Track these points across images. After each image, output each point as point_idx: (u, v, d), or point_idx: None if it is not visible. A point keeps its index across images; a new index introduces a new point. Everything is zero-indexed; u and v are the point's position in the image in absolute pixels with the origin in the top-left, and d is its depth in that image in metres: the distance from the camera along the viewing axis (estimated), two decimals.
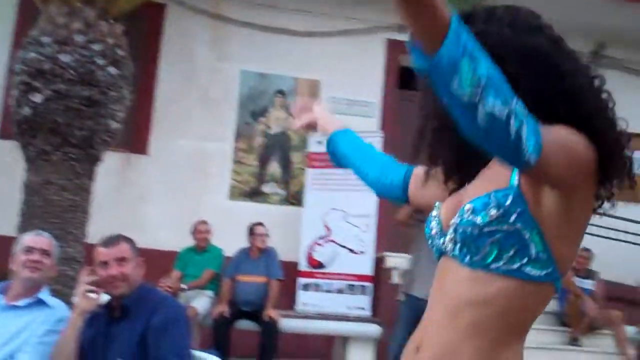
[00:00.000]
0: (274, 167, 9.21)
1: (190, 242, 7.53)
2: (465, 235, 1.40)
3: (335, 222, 8.42)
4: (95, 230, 6.70)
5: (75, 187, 6.10)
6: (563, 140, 1.33)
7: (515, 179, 1.39)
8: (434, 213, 1.58)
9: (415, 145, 1.66)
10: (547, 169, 1.29)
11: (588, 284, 7.92)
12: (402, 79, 9.91)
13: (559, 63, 1.43)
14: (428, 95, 1.53)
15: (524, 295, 1.39)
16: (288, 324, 7.21)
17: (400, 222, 5.39)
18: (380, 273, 8.28)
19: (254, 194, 9.08)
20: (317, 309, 8.10)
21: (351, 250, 8.35)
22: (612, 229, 8.66)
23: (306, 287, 8.33)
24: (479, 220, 1.38)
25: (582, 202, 1.41)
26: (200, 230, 7.46)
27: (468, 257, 1.41)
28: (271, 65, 9.30)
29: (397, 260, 7.91)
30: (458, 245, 1.43)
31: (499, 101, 1.18)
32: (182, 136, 8.94)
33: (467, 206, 1.41)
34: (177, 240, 7.75)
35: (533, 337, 6.12)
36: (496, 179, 1.42)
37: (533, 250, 1.37)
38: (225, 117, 9.13)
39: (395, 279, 7.71)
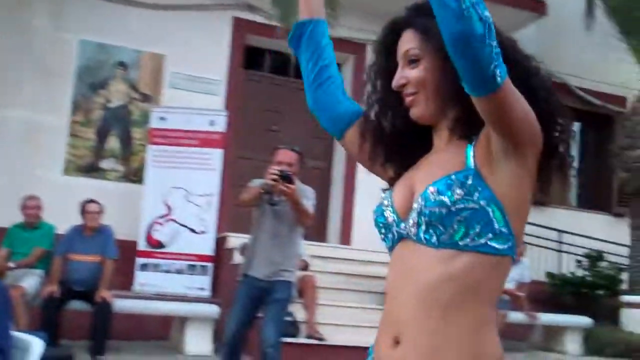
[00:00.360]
0: (114, 142, 8.88)
1: (20, 218, 7.13)
2: (434, 216, 1.45)
3: (176, 200, 8.28)
4: None
5: None
6: (519, 95, 1.42)
7: (470, 161, 1.48)
8: (386, 203, 1.61)
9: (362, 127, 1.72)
10: (504, 107, 1.37)
11: None
12: (247, 59, 9.86)
13: (520, 55, 1.55)
14: (376, 84, 1.66)
15: (490, 268, 1.45)
16: (124, 304, 7.03)
17: (244, 202, 5.34)
18: (221, 253, 8.24)
19: (91, 170, 8.72)
20: (155, 290, 7.95)
21: (192, 230, 8.25)
22: None
23: (145, 267, 8.15)
24: (446, 199, 1.44)
25: (528, 179, 1.49)
26: (29, 206, 7.08)
27: (435, 238, 1.46)
28: (113, 36, 8.95)
29: (239, 241, 7.86)
30: (422, 228, 1.47)
31: (486, 11, 1.29)
32: (12, 106, 8.41)
33: (431, 189, 1.47)
34: (7, 216, 7.32)
35: (368, 316, 6.30)
36: (448, 164, 1.50)
37: (496, 226, 1.44)
38: (62, 89, 8.68)
39: (237, 259, 7.69)
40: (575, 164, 12.05)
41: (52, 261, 6.93)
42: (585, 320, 8.98)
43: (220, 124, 8.52)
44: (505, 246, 1.45)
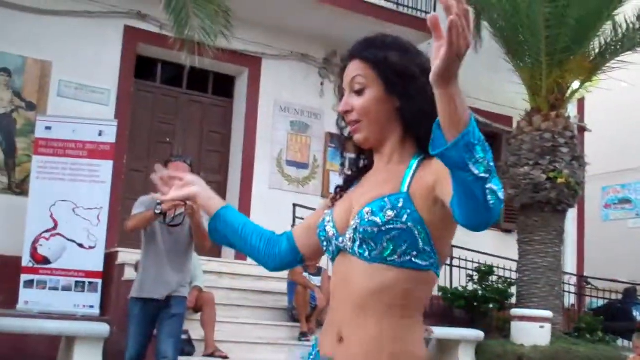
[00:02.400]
0: None
1: None
2: (367, 234, 1.62)
3: (63, 214, 7.90)
4: None
5: None
6: None
7: (405, 185, 1.64)
8: (328, 219, 1.77)
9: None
10: None
11: (317, 280, 8.20)
12: (139, 69, 9.59)
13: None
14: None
15: (415, 281, 1.63)
16: (7, 323, 6.58)
17: (134, 229, 5.16)
18: (111, 269, 7.91)
19: None
20: (41, 308, 7.53)
21: (80, 245, 7.89)
22: None
23: (29, 283, 7.71)
24: (378, 220, 1.60)
25: None
26: None
27: (367, 253, 1.64)
28: None
29: (129, 256, 7.57)
30: (357, 243, 1.65)
31: (500, 185, 1.39)
32: None
33: (366, 209, 1.63)
34: None
35: (263, 332, 6.22)
36: (385, 185, 1.66)
37: (420, 245, 1.62)
38: None
39: (128, 275, 7.39)
40: None
41: None
42: (477, 334, 9.14)
43: (109, 135, 8.21)
44: (428, 262, 1.63)
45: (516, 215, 10.44)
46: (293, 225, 8.91)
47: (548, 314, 9.26)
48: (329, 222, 1.76)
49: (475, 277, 10.10)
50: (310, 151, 10.48)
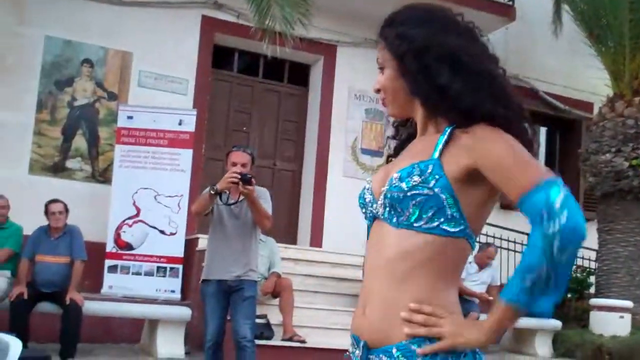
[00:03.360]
0: (80, 142, 8.64)
1: None
2: (393, 199, 1.62)
3: (145, 201, 8.09)
4: None
5: None
6: (528, 156, 1.58)
7: (437, 152, 1.62)
8: (367, 186, 1.79)
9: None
10: None
11: None
12: (216, 58, 9.72)
13: (486, 64, 1.67)
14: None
15: (443, 247, 1.60)
16: (93, 307, 6.82)
17: (197, 212, 5.30)
18: (191, 255, 8.08)
19: (57, 169, 8.47)
20: (124, 292, 7.76)
21: (162, 232, 8.07)
22: None
23: (113, 269, 7.94)
24: (404, 185, 1.60)
25: (491, 187, 1.62)
26: None
27: (395, 219, 1.64)
28: (78, 32, 8.73)
29: None
30: (387, 209, 1.65)
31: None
32: None
33: (395, 175, 1.64)
34: None
35: (339, 318, 6.25)
36: (419, 153, 1.66)
37: (448, 212, 1.59)
38: (26, 86, 8.42)
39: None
40: None
41: (19, 262, 6.69)
42: (554, 323, 9.01)
43: (189, 124, 8.36)
44: (457, 229, 1.60)
45: (596, 203, 10.20)
46: None
47: (628, 304, 9.05)
48: (367, 189, 1.78)
49: None
50: (385, 139, 10.44)
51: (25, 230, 6.95)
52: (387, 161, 1.87)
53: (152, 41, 9.03)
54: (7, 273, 6.69)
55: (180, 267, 8.00)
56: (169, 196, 8.11)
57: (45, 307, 6.62)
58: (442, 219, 1.59)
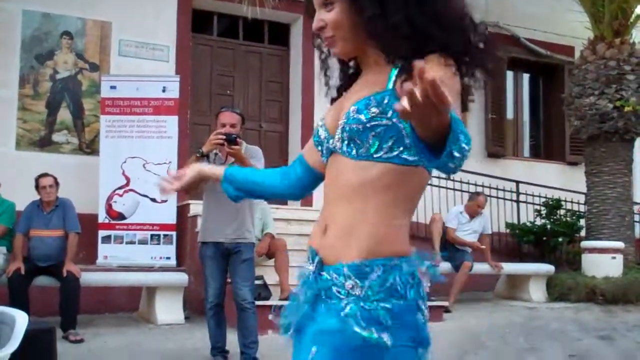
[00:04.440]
0: (65, 114, 8.61)
1: None
2: (352, 132, 1.63)
3: (134, 170, 8.10)
4: None
5: None
6: (455, 92, 1.59)
7: (391, 83, 1.61)
8: (320, 123, 1.81)
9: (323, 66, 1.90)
10: None
11: None
12: (195, 23, 9.65)
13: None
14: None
15: (401, 175, 1.62)
16: (90, 277, 6.86)
17: None
18: (183, 221, 8.13)
19: (44, 143, 8.46)
20: (120, 261, 7.82)
21: (153, 200, 8.09)
22: None
23: (107, 239, 7.98)
24: (362, 117, 1.61)
25: None
26: None
27: (354, 151, 1.65)
28: (56, 5, 8.64)
29: (200, 208, 7.75)
30: (345, 142, 1.66)
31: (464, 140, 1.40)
32: None
33: (352, 108, 1.64)
34: None
35: None
36: (372, 85, 1.65)
37: (407, 140, 1.59)
38: (7, 61, 8.37)
39: (200, 226, 7.58)
40: (526, 114, 12.22)
41: (14, 238, 6.72)
42: (547, 268, 9.15)
43: (173, 90, 8.33)
44: (417, 157, 1.59)
45: (582, 147, 10.29)
46: None
47: (619, 244, 9.18)
48: (321, 126, 1.79)
49: (543, 212, 10.03)
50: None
51: (17, 205, 6.96)
52: (331, 103, 1.86)
53: (131, 9, 8.95)
54: (3, 249, 6.71)
55: (174, 233, 8.05)
56: (158, 164, 8.11)
57: (42, 281, 6.66)
58: (401, 148, 1.59)
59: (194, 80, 9.55)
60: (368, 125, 1.60)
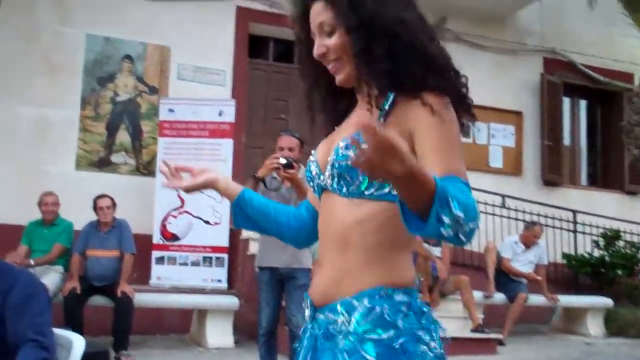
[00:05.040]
0: (124, 136, 8.80)
1: (36, 214, 7.04)
2: (342, 169, 1.61)
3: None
4: None
5: None
6: (455, 137, 1.57)
7: (382, 117, 1.61)
8: (312, 158, 1.79)
9: (307, 99, 1.87)
10: None
11: (437, 251, 8.18)
12: (251, 48, 9.78)
13: (424, 36, 1.65)
14: (305, 61, 1.80)
15: (393, 214, 1.53)
16: (142, 298, 6.95)
17: None
18: (236, 244, 8.18)
19: (103, 164, 8.64)
20: (172, 283, 7.89)
21: (206, 222, 8.17)
22: None
23: (161, 260, 8.08)
24: (351, 153, 1.58)
25: None
26: (46, 203, 6.98)
27: (345, 188, 1.63)
28: (118, 29, 8.86)
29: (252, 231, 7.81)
30: (336, 179, 1.64)
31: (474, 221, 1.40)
32: (23, 103, 8.33)
33: (341, 144, 1.63)
34: (22, 213, 7.25)
35: None
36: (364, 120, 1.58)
37: None
38: (70, 83, 8.60)
39: (252, 249, 7.63)
40: (583, 142, 12.01)
41: (71, 258, 6.86)
42: (605, 301, 8.91)
43: (228, 114, 8.44)
44: None
45: None
46: None
47: None
48: (313, 162, 1.77)
49: (601, 243, 9.81)
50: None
51: (75, 225, 7.10)
52: (326, 136, 1.83)
53: (189, 34, 9.12)
54: (60, 268, 6.85)
55: (226, 256, 8.11)
56: None
57: (97, 300, 6.78)
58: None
59: (249, 104, 9.65)
60: None
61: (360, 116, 1.70)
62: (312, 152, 1.82)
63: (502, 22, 10.76)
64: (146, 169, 8.77)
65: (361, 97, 1.74)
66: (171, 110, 8.42)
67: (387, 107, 1.62)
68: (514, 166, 10.76)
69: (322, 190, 1.73)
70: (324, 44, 1.70)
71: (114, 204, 7.03)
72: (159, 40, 9.04)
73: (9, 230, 6.89)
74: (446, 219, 1.34)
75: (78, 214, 7.16)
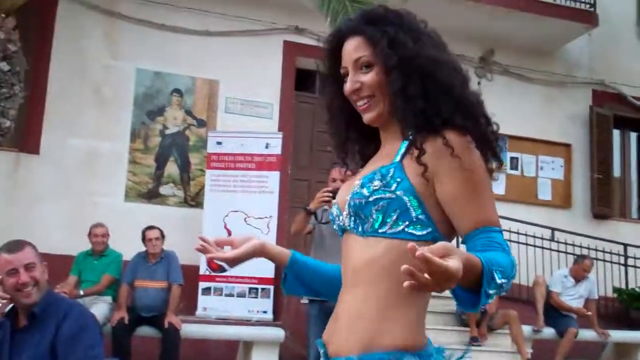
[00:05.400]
0: (172, 168, 8.94)
1: (85, 245, 7.17)
2: (356, 207, 1.60)
3: (235, 224, 8.26)
4: None
5: None
6: (484, 181, 1.56)
7: (398, 157, 1.60)
8: (334, 201, 1.78)
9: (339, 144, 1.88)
10: None
11: None
12: (298, 81, 9.88)
13: (458, 79, 1.65)
14: (330, 98, 1.82)
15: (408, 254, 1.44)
16: (189, 329, 7.00)
17: (297, 232, 5.38)
18: (281, 275, 8.18)
19: (152, 196, 8.79)
20: (218, 314, 7.93)
21: None
22: (508, 230, 8.98)
23: (207, 291, 8.13)
24: (365, 191, 1.58)
25: None
26: (96, 234, 7.11)
27: (360, 227, 1.61)
28: (167, 64, 9.06)
29: None
30: (352, 219, 1.63)
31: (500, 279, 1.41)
32: (74, 135, 8.54)
33: (357, 183, 1.63)
34: (71, 243, 7.40)
35: (433, 336, 6.21)
36: (384, 159, 1.64)
37: (413, 214, 1.55)
38: (120, 116, 8.80)
39: None
40: (634, 174, 11.79)
41: (120, 288, 6.95)
42: None
43: (275, 147, 8.52)
44: (424, 232, 1.55)
45: None
46: None
47: None
48: (335, 203, 1.76)
49: None
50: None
51: (124, 255, 7.21)
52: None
53: (237, 68, 9.26)
54: (109, 299, 6.95)
55: (272, 287, 8.12)
56: (259, 218, 8.26)
57: (144, 331, 6.84)
58: (407, 222, 1.54)
59: (295, 137, 9.73)
60: (370, 199, 1.56)
61: (380, 155, 1.70)
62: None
63: (550, 54, 10.70)
64: (194, 200, 8.89)
65: (385, 136, 1.72)
66: (219, 143, 8.54)
67: (407, 143, 1.61)
68: (563, 199, 10.61)
69: (343, 231, 1.71)
70: (359, 80, 1.68)
71: (162, 236, 7.13)
72: (207, 74, 9.20)
73: (59, 261, 7.00)
74: (492, 291, 1.38)
75: (127, 245, 7.26)
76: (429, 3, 9.35)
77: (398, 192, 1.54)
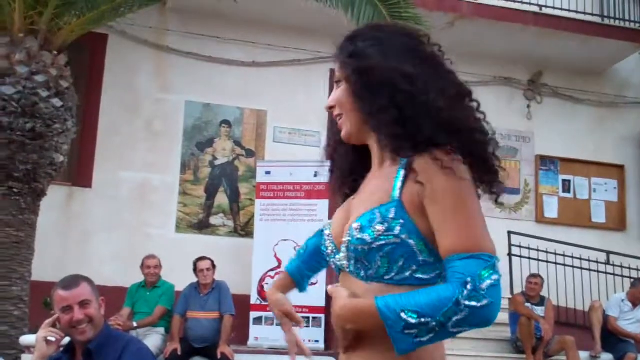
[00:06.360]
0: (222, 198, 9.03)
1: (138, 277, 7.26)
2: (358, 253, 1.49)
3: (285, 253, 8.24)
4: (40, 267, 6.47)
5: (19, 222, 5.87)
6: (473, 205, 1.46)
7: (396, 192, 1.48)
8: (327, 232, 1.67)
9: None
10: None
11: (540, 310, 7.95)
12: None
13: (437, 91, 1.52)
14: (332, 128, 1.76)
15: None
16: (241, 359, 7.00)
17: None
18: (332, 304, 8.15)
19: (202, 226, 8.88)
20: (270, 343, 7.92)
21: None
22: (562, 254, 8.83)
23: (258, 320, 8.14)
24: (367, 237, 1.46)
25: None
26: (149, 265, 7.21)
27: (363, 272, 1.50)
28: (216, 95, 9.19)
29: None
30: (352, 262, 1.52)
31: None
32: (126, 168, 8.71)
33: (355, 225, 1.49)
34: (124, 275, 7.52)
35: None
36: (379, 192, 1.51)
37: (420, 258, 1.46)
38: (170, 148, 8.94)
39: None
40: None
41: (172, 320, 7.01)
42: None
43: (324, 175, 8.47)
44: (432, 275, 1.46)
45: None
46: (509, 253, 8.73)
47: None
48: (328, 236, 1.66)
49: None
50: (521, 175, 10.23)
51: (176, 286, 7.27)
52: (342, 202, 1.74)
53: (285, 98, 9.35)
54: (161, 330, 7.02)
55: (323, 316, 8.09)
56: None
57: None
58: (414, 267, 1.46)
59: None
60: (374, 245, 1.46)
61: (374, 185, 1.57)
62: (326, 224, 1.72)
63: (600, 75, 10.55)
64: (244, 230, 8.95)
65: (373, 156, 1.63)
66: (268, 173, 8.59)
67: (402, 173, 1.49)
68: (617, 221, 10.38)
69: (339, 270, 1.61)
70: (332, 97, 1.65)
71: (213, 266, 7.18)
72: (255, 105, 9.30)
73: (113, 293, 7.09)
74: (410, 331, 1.34)
75: (178, 276, 7.34)
76: (476, 26, 9.37)
77: (403, 236, 1.44)
